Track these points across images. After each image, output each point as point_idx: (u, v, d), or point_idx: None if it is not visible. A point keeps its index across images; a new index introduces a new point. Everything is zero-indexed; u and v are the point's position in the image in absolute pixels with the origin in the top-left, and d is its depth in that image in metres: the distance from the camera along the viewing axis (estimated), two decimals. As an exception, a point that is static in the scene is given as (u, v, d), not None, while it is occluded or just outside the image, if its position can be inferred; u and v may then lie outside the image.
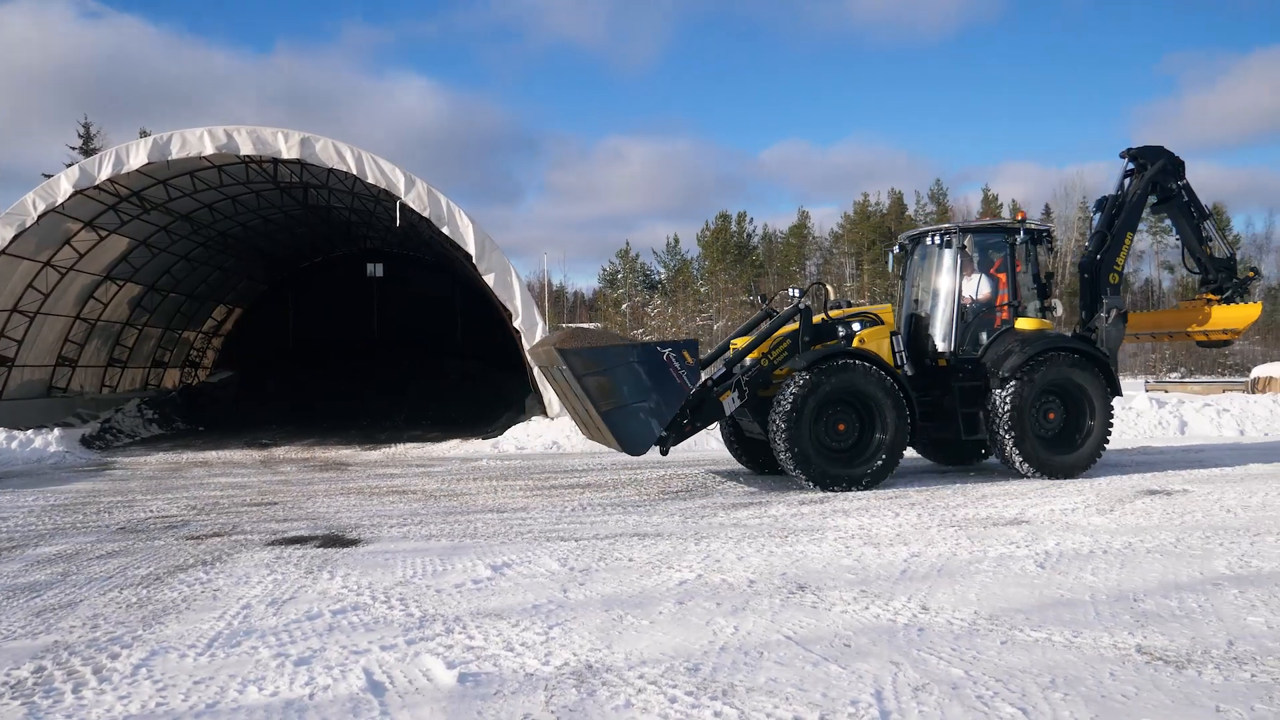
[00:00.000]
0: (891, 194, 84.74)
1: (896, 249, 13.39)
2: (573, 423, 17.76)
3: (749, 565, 6.73)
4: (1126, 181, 13.72)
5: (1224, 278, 14.38)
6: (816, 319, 11.53)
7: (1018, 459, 11.49)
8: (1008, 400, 11.42)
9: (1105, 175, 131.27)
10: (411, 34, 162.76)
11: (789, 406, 10.68)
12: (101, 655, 4.85)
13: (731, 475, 12.42)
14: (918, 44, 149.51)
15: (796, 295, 11.65)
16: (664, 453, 11.08)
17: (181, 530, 8.77)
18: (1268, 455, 13.97)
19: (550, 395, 18.31)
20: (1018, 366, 11.44)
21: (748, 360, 11.36)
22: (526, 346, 18.36)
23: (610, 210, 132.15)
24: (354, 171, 17.94)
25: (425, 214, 18.12)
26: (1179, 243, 14.76)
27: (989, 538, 7.63)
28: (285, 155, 17.95)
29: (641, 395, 10.11)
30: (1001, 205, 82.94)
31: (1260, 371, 30.17)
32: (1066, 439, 11.82)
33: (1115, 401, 12.28)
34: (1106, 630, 5.03)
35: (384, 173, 17.93)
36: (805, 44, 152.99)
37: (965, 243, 12.18)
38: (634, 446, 10.27)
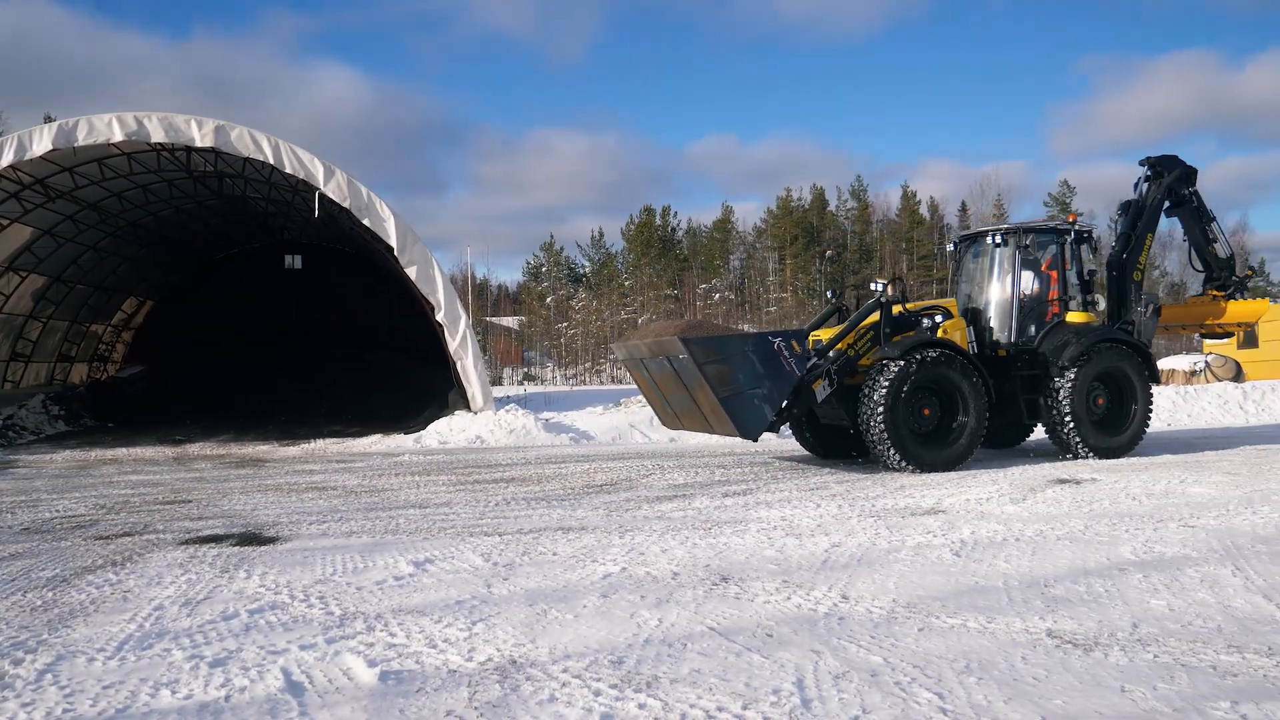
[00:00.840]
0: (813, 190, 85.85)
1: (950, 247, 14.59)
2: (495, 417, 17.65)
3: (673, 558, 6.77)
4: (1145, 187, 14.98)
5: (1227, 275, 15.94)
6: (895, 310, 12.25)
7: (1076, 442, 12.58)
8: (1068, 387, 12.48)
9: (1020, 174, 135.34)
10: (336, 21, 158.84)
11: (885, 392, 11.41)
12: (4, 661, 4.67)
13: (657, 468, 12.48)
14: (845, 43, 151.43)
15: (880, 289, 12.37)
16: (756, 437, 11.48)
17: (90, 530, 8.48)
18: (1172, 445, 14.52)
19: (474, 389, 18.17)
20: (1076, 356, 12.52)
21: (831, 352, 11.89)
22: (450, 340, 18.21)
23: (536, 203, 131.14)
24: (271, 161, 17.55)
25: (345, 205, 17.81)
26: (1185, 242, 16.28)
27: (907, 527, 7.79)
28: (199, 143, 17.47)
29: (756, 382, 10.90)
30: (920, 202, 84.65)
31: (1163, 365, 31.40)
32: (1113, 422, 12.96)
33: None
34: (1019, 615, 5.18)
35: (302, 162, 17.57)
36: (735, 40, 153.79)
37: (1027, 241, 13.12)
38: (749, 431, 11.02)
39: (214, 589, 6.07)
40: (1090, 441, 12.61)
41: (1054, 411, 12.59)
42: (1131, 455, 12.89)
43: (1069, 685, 4.11)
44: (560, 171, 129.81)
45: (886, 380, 11.42)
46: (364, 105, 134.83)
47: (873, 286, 12.64)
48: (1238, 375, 26.71)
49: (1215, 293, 15.88)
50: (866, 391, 11.60)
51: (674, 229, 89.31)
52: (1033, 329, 13.04)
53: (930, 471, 11.48)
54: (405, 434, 17.86)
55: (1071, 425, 12.51)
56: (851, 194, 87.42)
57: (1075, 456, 12.63)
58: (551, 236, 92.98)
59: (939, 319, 12.51)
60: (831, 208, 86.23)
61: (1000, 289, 13.21)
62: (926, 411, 11.81)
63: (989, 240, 13.38)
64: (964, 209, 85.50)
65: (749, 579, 6.09)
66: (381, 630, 5.08)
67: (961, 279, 14.14)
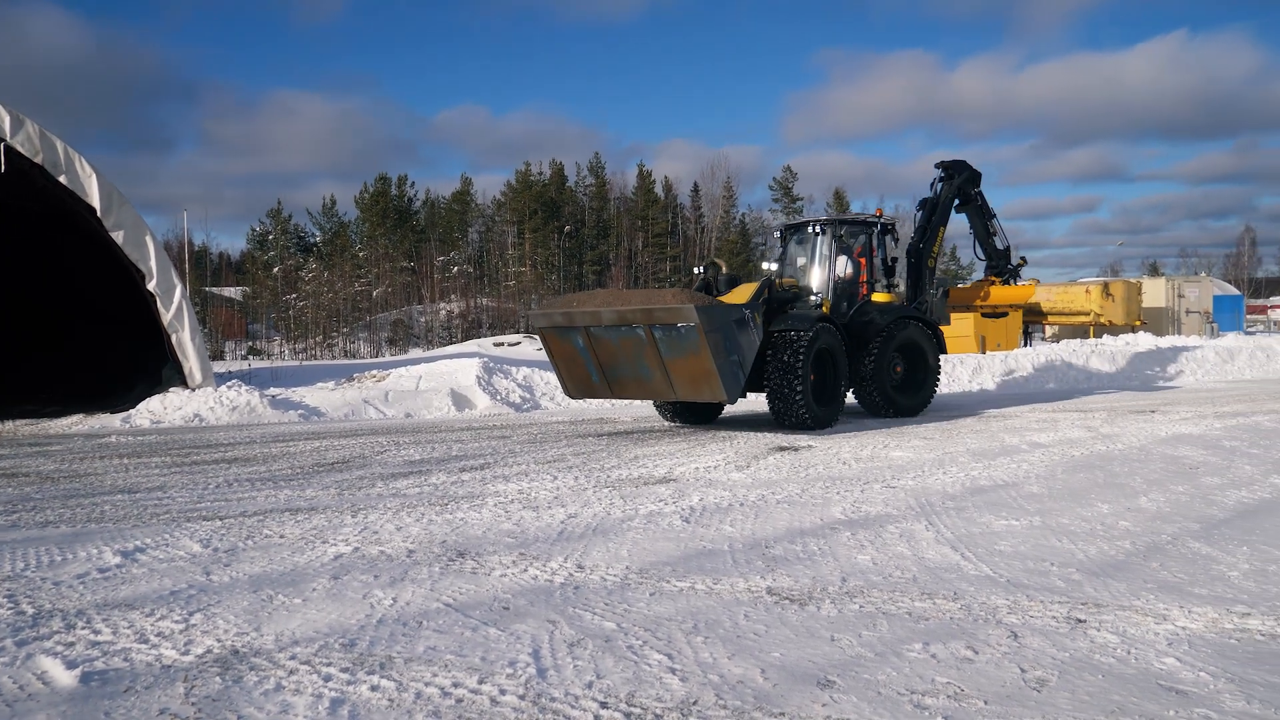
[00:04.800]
0: (553, 165, 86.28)
1: (778, 234, 16.23)
2: (216, 394, 16.54)
3: (408, 535, 6.65)
4: (939, 186, 17.66)
5: (1003, 264, 19.58)
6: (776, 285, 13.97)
7: (880, 402, 14.52)
8: (874, 356, 14.33)
9: (754, 158, 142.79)
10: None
11: (801, 358, 12.86)
12: None
13: (392, 444, 12.18)
14: (602, 21, 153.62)
15: (772, 269, 14.82)
16: (735, 400, 12.31)
17: None
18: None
19: (192, 364, 16.95)
20: (880, 330, 14.43)
21: None
22: (163, 312, 16.88)
23: (270, 167, 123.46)
24: (-57, 107, 15.49)
25: (37, 160, 16.02)
26: (970, 234, 19.59)
27: (640, 496, 8.05)
28: None
29: (734, 349, 11.96)
30: (655, 181, 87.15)
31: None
32: (909, 387, 15.03)
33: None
34: (742, 576, 5.49)
35: (-18, 110, 15.63)
36: (493, 9, 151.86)
37: (841, 231, 15.01)
38: (733, 394, 12.00)
39: (-125, 593, 5.34)
40: (892, 402, 14.55)
41: (860, 376, 14.40)
42: (842, 424, 13.94)
43: (786, 638, 4.40)
44: (302, 134, 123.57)
45: (803, 348, 12.91)
46: (77, 52, 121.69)
47: (765, 266, 15.02)
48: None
49: (993, 279, 19.05)
50: (784, 358, 12.89)
51: (410, 200, 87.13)
52: (845, 306, 14.78)
53: (823, 426, 13.16)
54: (112, 413, 16.40)
55: (874, 388, 14.38)
56: (590, 170, 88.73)
57: (879, 415, 14.56)
58: (279, 203, 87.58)
59: (816, 297, 14.38)
60: (570, 183, 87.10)
61: (820, 271, 14.91)
62: (813, 377, 13.34)
63: (810, 230, 15.13)
64: (696, 189, 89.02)
65: (486, 553, 6.08)
66: (83, 628, 4.66)
67: (786, 262, 15.70)
